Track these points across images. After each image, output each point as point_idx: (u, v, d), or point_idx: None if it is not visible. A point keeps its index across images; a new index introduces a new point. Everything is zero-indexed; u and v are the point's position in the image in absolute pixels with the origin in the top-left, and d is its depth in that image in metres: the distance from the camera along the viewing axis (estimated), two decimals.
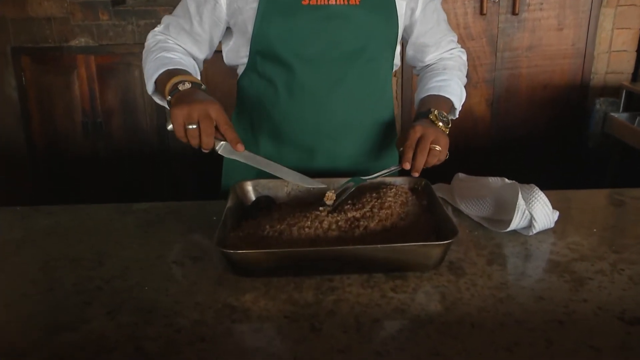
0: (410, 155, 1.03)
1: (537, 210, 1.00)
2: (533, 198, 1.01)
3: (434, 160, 1.04)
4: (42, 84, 2.84)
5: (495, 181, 1.16)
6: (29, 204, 1.21)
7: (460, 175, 1.24)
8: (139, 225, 1.11)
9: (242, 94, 1.28)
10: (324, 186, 1.04)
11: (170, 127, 0.97)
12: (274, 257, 0.87)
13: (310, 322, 0.78)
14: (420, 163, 1.02)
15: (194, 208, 1.19)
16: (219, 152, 0.99)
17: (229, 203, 1.03)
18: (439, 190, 1.20)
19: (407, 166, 1.02)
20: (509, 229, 1.01)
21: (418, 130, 1.05)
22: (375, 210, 0.98)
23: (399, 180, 1.14)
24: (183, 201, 1.23)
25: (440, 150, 1.04)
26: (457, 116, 1.27)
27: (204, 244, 1.01)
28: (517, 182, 1.06)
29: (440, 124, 1.10)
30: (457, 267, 0.92)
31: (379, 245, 0.86)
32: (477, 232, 1.05)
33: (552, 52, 2.92)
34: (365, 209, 0.98)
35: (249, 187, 1.11)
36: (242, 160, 1.01)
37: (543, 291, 0.86)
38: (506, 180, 1.15)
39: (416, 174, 1.02)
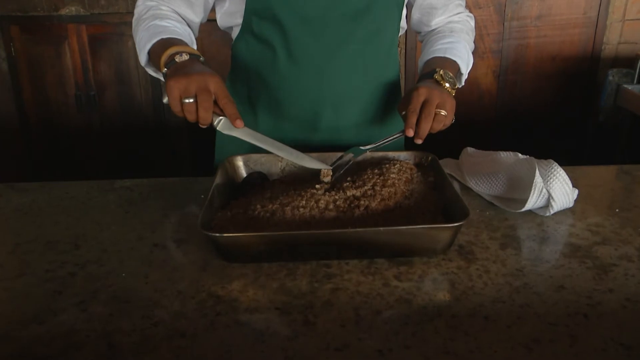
0: (413, 120, 0.94)
1: (555, 189, 0.91)
2: (551, 175, 0.91)
3: (440, 126, 0.95)
4: (33, 55, 2.75)
5: (508, 156, 1.07)
6: (22, 178, 1.12)
7: (469, 149, 1.15)
8: (120, 204, 1.02)
9: (237, 60, 1.18)
10: (327, 167, 0.95)
11: (166, 100, 0.89)
12: (264, 241, 0.79)
13: (304, 314, 0.70)
14: (425, 129, 0.93)
15: (181, 185, 1.10)
16: (217, 128, 0.91)
17: (217, 180, 0.94)
18: (446, 166, 1.11)
19: (410, 133, 0.93)
20: (524, 209, 0.92)
21: (422, 93, 0.96)
22: (377, 188, 0.89)
23: (403, 154, 1.05)
24: (171, 177, 1.14)
25: (446, 115, 0.95)
26: (463, 84, 1.16)
27: (189, 225, 0.93)
28: (533, 158, 0.96)
29: (447, 84, 1.01)
30: (467, 252, 0.84)
31: (381, 228, 0.77)
32: (488, 212, 0.96)
33: (562, 21, 2.80)
34: (366, 187, 0.89)
35: (240, 162, 1.02)
36: (241, 137, 0.92)
37: (563, 279, 0.77)
38: (520, 155, 1.06)
39: (420, 141, 0.93)
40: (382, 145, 0.99)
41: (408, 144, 1.09)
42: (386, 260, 0.81)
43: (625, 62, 2.79)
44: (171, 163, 2.85)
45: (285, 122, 1.15)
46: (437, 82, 1.01)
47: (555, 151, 2.93)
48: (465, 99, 2.85)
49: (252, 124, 1.15)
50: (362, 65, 1.11)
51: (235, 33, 1.15)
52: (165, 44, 0.98)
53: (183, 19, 1.11)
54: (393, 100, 1.21)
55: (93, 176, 1.13)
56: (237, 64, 1.18)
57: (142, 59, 1.05)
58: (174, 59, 0.92)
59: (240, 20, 1.10)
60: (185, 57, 0.92)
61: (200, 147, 2.71)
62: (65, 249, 0.87)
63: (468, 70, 1.16)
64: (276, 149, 0.94)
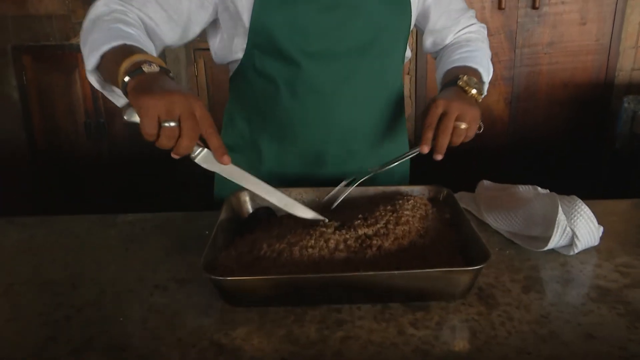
0: (429, 135, 0.88)
1: (580, 227, 0.86)
2: (575, 212, 0.86)
3: (460, 139, 0.89)
4: (43, 84, 2.77)
5: (527, 190, 1.02)
6: (29, 206, 1.09)
7: (485, 182, 1.10)
8: (121, 241, 0.98)
9: (236, 93, 1.13)
10: (321, 219, 0.88)
11: (131, 118, 0.75)
12: (270, 284, 0.74)
13: None
14: (442, 144, 0.88)
15: (184, 220, 1.05)
16: (195, 160, 0.80)
17: (222, 216, 0.89)
18: (462, 200, 1.06)
19: (425, 149, 0.88)
20: (546, 248, 0.87)
21: (440, 105, 0.89)
22: (391, 226, 0.84)
23: (416, 189, 1.00)
24: (179, 208, 1.10)
25: (467, 127, 0.89)
26: (485, 93, 1.08)
27: (192, 264, 0.88)
28: (555, 194, 0.91)
29: (473, 91, 0.94)
30: (488, 295, 0.78)
31: (396, 272, 0.72)
32: (508, 251, 0.91)
33: (574, 48, 2.77)
34: (378, 225, 0.84)
35: (246, 197, 0.98)
36: (223, 174, 0.83)
37: (593, 327, 0.71)
38: (539, 189, 1.01)
39: (439, 157, 0.88)
40: (392, 165, 0.94)
41: (413, 172, 1.05)
42: (401, 305, 0.75)
43: (639, 89, 2.74)
44: (181, 192, 2.82)
45: (290, 156, 1.11)
46: (462, 89, 0.95)
47: (568, 179, 2.87)
48: None
49: (255, 160, 1.11)
50: (369, 98, 1.08)
51: (233, 67, 1.09)
52: (127, 50, 0.82)
53: (152, 34, 0.97)
54: (399, 129, 1.17)
55: (101, 204, 1.09)
56: (237, 97, 1.14)
57: (91, 62, 0.85)
58: (141, 68, 0.76)
59: (240, 55, 1.05)
60: (154, 68, 0.77)
61: (210, 177, 2.68)
62: (62, 290, 0.83)
63: (489, 79, 1.10)
64: (265, 193, 0.86)
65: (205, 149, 0.79)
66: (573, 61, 2.79)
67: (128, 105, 0.76)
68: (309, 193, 1.00)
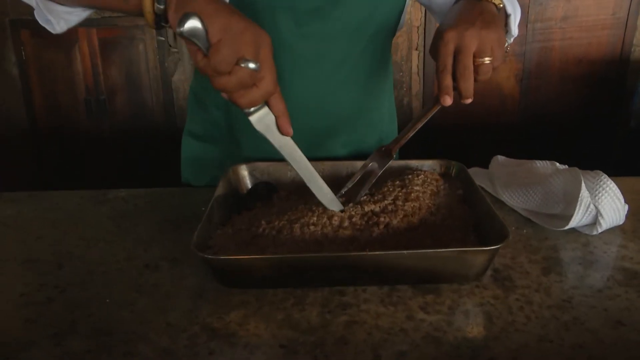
0: (447, 81, 0.72)
1: (604, 204, 0.79)
2: (600, 188, 0.80)
3: (487, 77, 0.73)
4: (43, 60, 2.71)
5: (545, 166, 0.95)
6: (32, 183, 1.03)
7: (500, 158, 1.03)
8: (112, 218, 0.92)
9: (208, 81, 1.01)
10: (339, 207, 0.77)
11: (194, 34, 0.57)
12: (268, 264, 0.68)
13: (313, 354, 0.59)
14: (468, 89, 0.71)
15: (180, 196, 0.99)
16: (248, 117, 0.67)
17: (218, 191, 0.83)
18: (475, 176, 0.99)
19: (447, 100, 0.72)
20: (567, 227, 0.81)
21: (450, 39, 0.71)
22: (399, 202, 0.78)
23: (427, 164, 0.94)
24: (170, 187, 1.04)
25: (491, 61, 0.71)
26: (515, 34, 0.84)
27: (186, 243, 0.81)
28: (577, 168, 0.85)
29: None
30: (504, 278, 0.72)
31: (405, 251, 0.66)
32: (525, 230, 0.84)
33: (589, 22, 2.67)
34: (386, 201, 0.78)
35: (245, 171, 0.92)
36: (274, 143, 0.70)
37: (621, 313, 0.65)
38: (557, 165, 0.94)
39: (468, 101, 0.72)
40: (411, 134, 0.79)
41: (419, 149, 0.97)
42: (410, 288, 0.69)
43: None
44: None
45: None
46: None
47: (580, 158, 2.80)
48: (487, 103, 2.74)
49: (233, 152, 1.00)
50: (362, 80, 0.98)
51: None
52: None
53: None
54: (389, 106, 1.10)
55: (102, 182, 1.03)
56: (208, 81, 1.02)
57: None
58: None
59: None
60: None
61: None
62: (46, 269, 0.77)
63: (517, 20, 0.85)
64: (307, 178, 0.75)
65: (266, 108, 0.68)
66: (588, 36, 2.69)
67: (189, 16, 0.57)
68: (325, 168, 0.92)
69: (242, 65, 0.59)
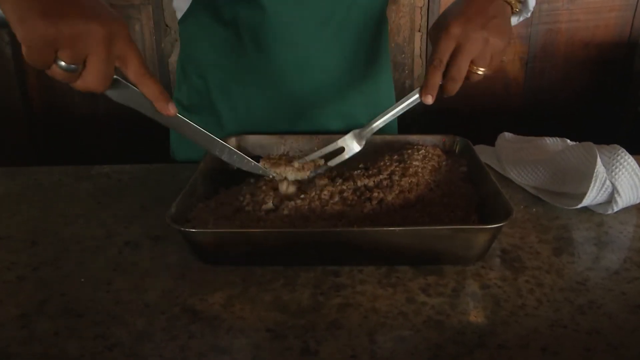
0: (435, 80, 0.68)
1: (622, 181, 0.73)
2: (617, 163, 0.74)
3: (472, 83, 0.70)
4: None
5: (554, 142, 0.90)
6: (25, 164, 0.97)
7: (507, 134, 0.97)
8: (93, 194, 0.86)
9: (188, 42, 0.94)
10: (273, 175, 0.73)
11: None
12: (244, 239, 0.62)
13: (303, 339, 0.54)
14: (451, 91, 0.69)
15: (167, 172, 0.94)
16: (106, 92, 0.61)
17: (203, 164, 0.78)
18: (481, 153, 0.93)
19: (429, 100, 0.68)
20: (580, 205, 0.75)
21: (454, 35, 0.67)
22: (396, 177, 0.72)
23: (429, 139, 0.88)
24: (156, 163, 0.98)
25: (484, 74, 0.69)
26: (531, 10, 0.79)
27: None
28: (591, 143, 0.79)
29: None
30: (513, 258, 0.66)
31: (396, 228, 0.60)
32: (535, 209, 0.79)
33: (597, 4, 2.60)
34: (381, 176, 0.73)
35: (233, 144, 0.86)
36: (168, 125, 0.68)
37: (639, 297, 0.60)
38: (568, 141, 0.89)
39: (430, 101, 0.69)
40: (383, 121, 0.74)
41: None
42: (410, 268, 0.64)
43: None
44: None
45: (255, 119, 0.94)
46: None
47: (585, 141, 2.74)
48: (490, 87, 2.68)
49: (214, 123, 0.95)
50: (348, 45, 0.91)
51: (182, 4, 0.91)
52: None
53: None
54: (385, 78, 1.02)
55: (97, 161, 0.97)
56: (189, 47, 0.95)
57: None
58: None
59: None
60: None
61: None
62: (19, 247, 0.72)
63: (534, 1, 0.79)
64: (216, 148, 0.71)
65: (124, 83, 0.62)
66: (595, 19, 2.62)
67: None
68: (302, 142, 0.87)
69: (56, 64, 0.55)
